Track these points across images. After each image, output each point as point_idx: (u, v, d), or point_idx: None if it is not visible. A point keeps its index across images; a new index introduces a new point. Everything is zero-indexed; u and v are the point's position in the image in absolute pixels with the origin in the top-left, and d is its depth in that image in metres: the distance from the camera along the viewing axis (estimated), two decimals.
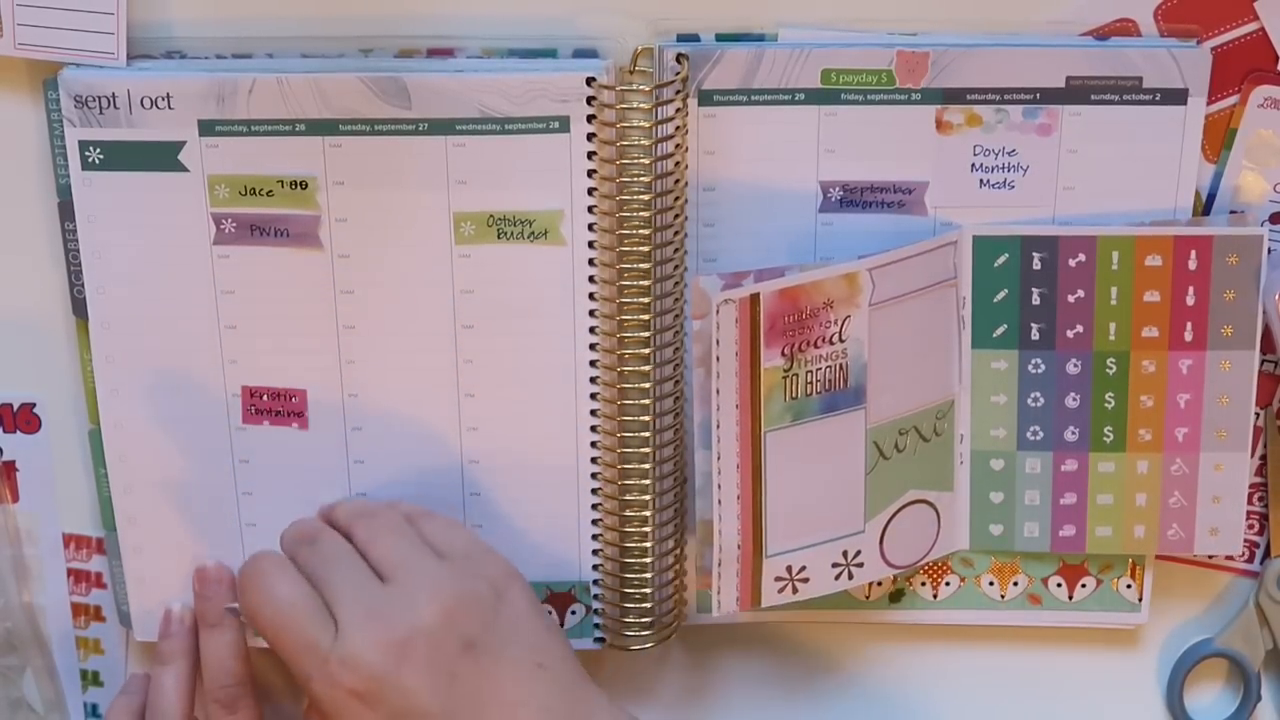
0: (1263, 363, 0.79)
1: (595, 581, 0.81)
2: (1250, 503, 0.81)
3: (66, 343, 0.80)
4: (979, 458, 0.80)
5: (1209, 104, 0.76)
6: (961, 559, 0.82)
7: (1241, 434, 0.79)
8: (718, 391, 0.73)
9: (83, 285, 0.77)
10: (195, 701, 0.80)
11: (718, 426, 0.73)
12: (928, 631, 0.84)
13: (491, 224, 0.76)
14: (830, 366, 0.75)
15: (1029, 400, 0.79)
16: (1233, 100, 0.76)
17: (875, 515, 0.78)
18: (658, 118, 0.74)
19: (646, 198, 0.75)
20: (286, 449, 0.79)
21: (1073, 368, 0.78)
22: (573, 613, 0.81)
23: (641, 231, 0.75)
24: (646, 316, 0.76)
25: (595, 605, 0.81)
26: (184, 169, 0.75)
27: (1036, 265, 0.77)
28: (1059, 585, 0.82)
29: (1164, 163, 0.76)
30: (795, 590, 0.78)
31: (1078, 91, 0.75)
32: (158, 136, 0.75)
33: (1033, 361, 0.78)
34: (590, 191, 0.75)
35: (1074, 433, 0.79)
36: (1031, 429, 0.79)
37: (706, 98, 0.75)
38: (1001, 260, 0.77)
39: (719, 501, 0.74)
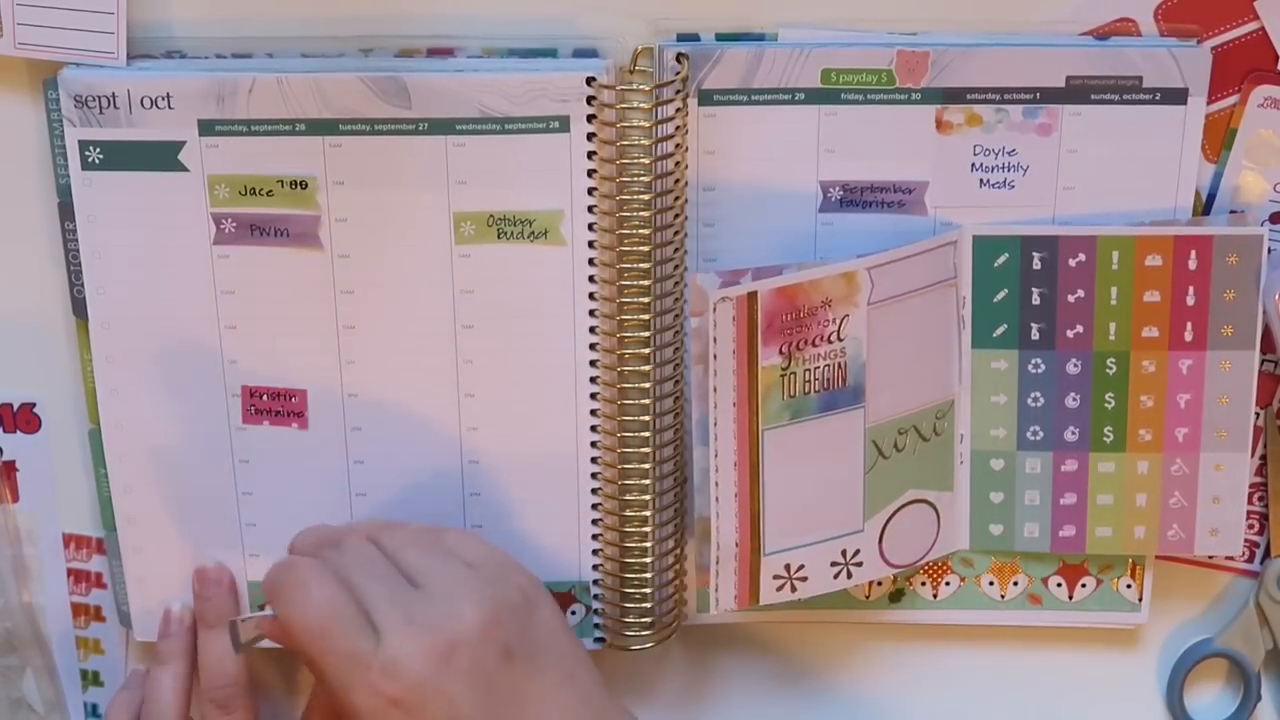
0: (1263, 363, 0.79)
1: (595, 581, 0.81)
2: (1250, 503, 0.81)
3: (66, 343, 0.80)
4: (979, 457, 0.80)
5: (1209, 104, 0.76)
6: (961, 559, 0.82)
7: (1241, 434, 0.79)
8: (715, 389, 0.73)
9: (83, 285, 0.77)
10: (192, 701, 0.80)
11: (715, 424, 0.73)
12: (928, 631, 0.84)
13: (491, 224, 0.76)
14: (828, 365, 0.75)
15: (1029, 400, 0.79)
16: (1233, 100, 0.76)
17: (874, 514, 0.78)
18: (658, 117, 0.74)
19: (646, 198, 0.75)
20: (286, 449, 0.79)
21: (1073, 368, 0.78)
22: (573, 613, 0.81)
23: (641, 231, 0.75)
24: (646, 316, 0.76)
25: (595, 605, 0.81)
26: (184, 169, 0.75)
27: (1036, 265, 0.77)
28: (1059, 585, 0.82)
29: (1164, 163, 0.76)
30: (794, 589, 0.78)
31: (1078, 91, 0.75)
32: (158, 136, 0.75)
33: (1033, 361, 0.78)
34: (590, 191, 0.75)
35: (1074, 433, 0.79)
36: (1031, 429, 0.79)
37: (706, 98, 0.75)
38: (1001, 260, 0.77)
39: (717, 499, 0.74)
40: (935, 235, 0.77)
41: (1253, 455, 0.80)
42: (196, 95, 0.74)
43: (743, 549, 0.76)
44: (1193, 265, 0.76)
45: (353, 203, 0.76)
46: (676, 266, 0.77)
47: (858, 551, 0.78)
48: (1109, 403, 0.78)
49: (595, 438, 0.78)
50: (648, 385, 0.77)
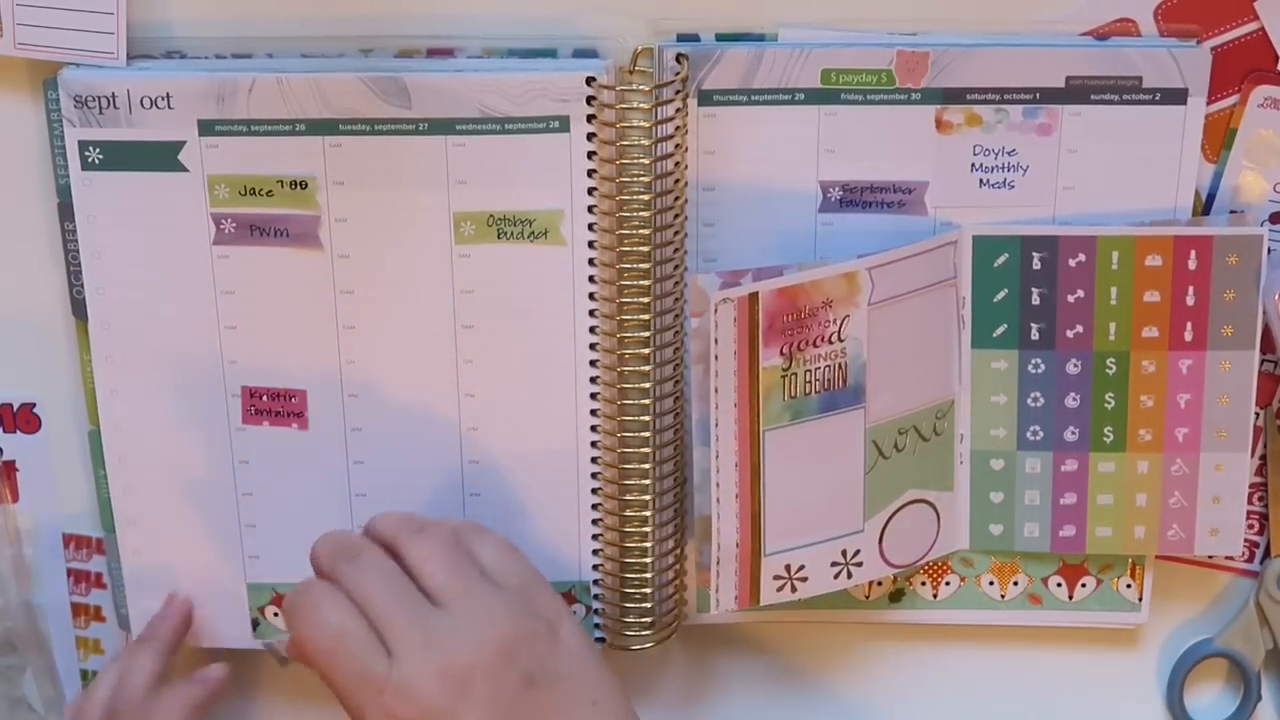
0: (1263, 363, 0.79)
1: (595, 581, 0.81)
2: (1250, 503, 0.81)
3: (66, 343, 0.80)
4: (979, 457, 0.80)
5: (1209, 104, 0.76)
6: (961, 559, 0.82)
7: (1241, 434, 0.79)
8: (716, 390, 0.73)
9: (83, 285, 0.77)
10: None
11: (716, 425, 0.73)
12: (928, 631, 0.84)
13: (491, 224, 0.76)
14: (829, 366, 0.75)
15: (1029, 400, 0.79)
16: (1233, 100, 0.76)
17: (874, 514, 0.78)
18: (658, 118, 0.74)
19: (646, 198, 0.75)
20: (286, 449, 0.79)
21: (1073, 368, 0.78)
22: (573, 612, 0.81)
23: (641, 231, 0.75)
24: (646, 316, 0.76)
25: (595, 605, 0.81)
26: (184, 169, 0.75)
27: (1036, 265, 0.77)
28: (1059, 585, 0.82)
29: (1164, 163, 0.76)
30: (794, 589, 0.78)
31: (1078, 91, 0.75)
32: (158, 136, 0.75)
33: (1033, 361, 0.78)
34: (590, 191, 0.75)
35: (1074, 433, 0.79)
36: (1031, 429, 0.79)
37: (706, 98, 0.75)
38: (1001, 260, 0.77)
39: (717, 500, 0.74)
40: (935, 235, 0.77)
41: (1253, 455, 0.80)
42: (196, 95, 0.74)
43: (743, 549, 0.76)
44: (1193, 265, 0.76)
45: (353, 203, 0.76)
46: (676, 266, 0.77)
47: (858, 551, 0.78)
48: (1109, 403, 0.78)
49: (595, 437, 0.78)
50: (648, 385, 0.77)
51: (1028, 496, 0.80)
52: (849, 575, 0.78)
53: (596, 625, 0.81)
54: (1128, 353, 0.78)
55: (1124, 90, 0.75)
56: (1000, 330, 0.78)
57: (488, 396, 0.78)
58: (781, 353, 0.74)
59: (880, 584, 0.82)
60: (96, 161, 0.75)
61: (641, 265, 0.75)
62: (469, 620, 0.67)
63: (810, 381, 0.75)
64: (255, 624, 0.82)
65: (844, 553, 0.78)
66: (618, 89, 0.74)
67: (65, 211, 0.77)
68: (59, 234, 0.78)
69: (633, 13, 0.75)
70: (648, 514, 0.79)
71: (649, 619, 0.80)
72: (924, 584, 0.83)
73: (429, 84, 0.74)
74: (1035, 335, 0.78)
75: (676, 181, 0.75)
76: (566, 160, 0.75)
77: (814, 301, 0.74)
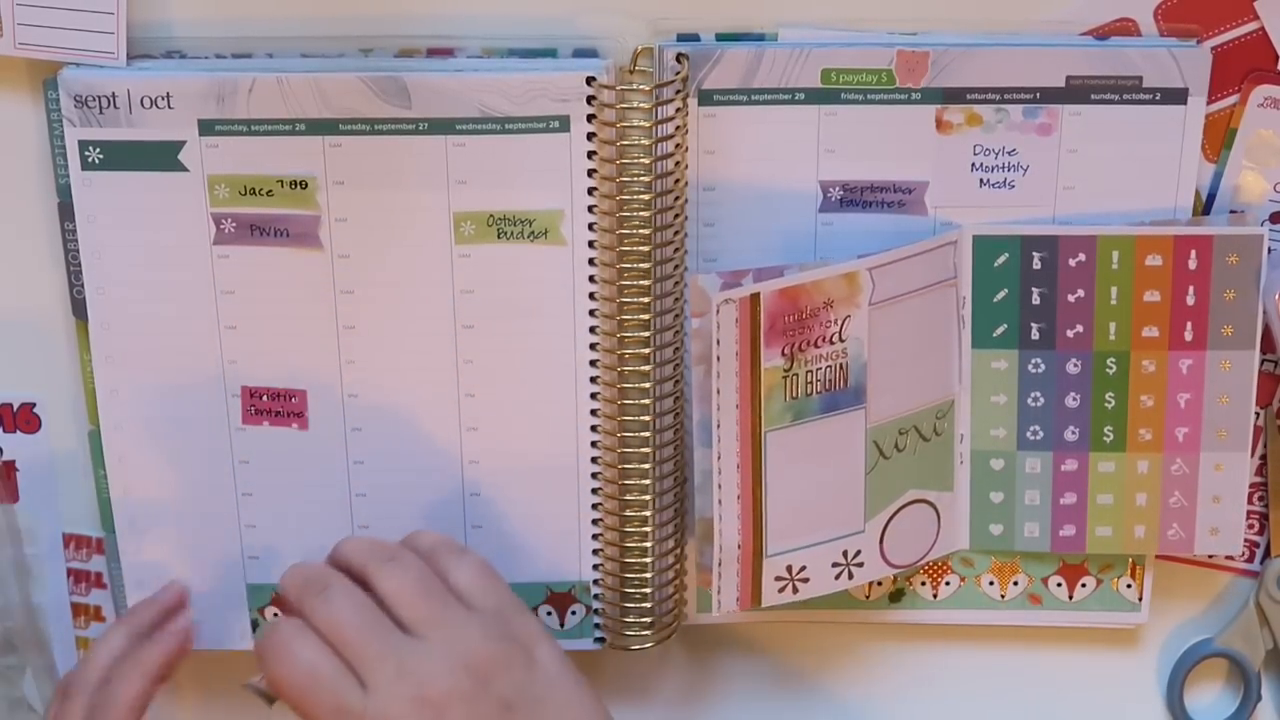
0: (1263, 362, 0.79)
1: (595, 581, 0.81)
2: (1250, 503, 0.81)
3: (66, 343, 0.80)
4: (979, 457, 0.80)
5: (1209, 104, 0.76)
6: (961, 559, 0.82)
7: (1241, 434, 0.79)
8: (718, 391, 0.73)
9: (83, 285, 0.77)
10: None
11: (718, 426, 0.73)
12: (928, 631, 0.84)
13: (491, 224, 0.76)
14: (830, 366, 0.75)
15: (1029, 400, 0.79)
16: (1233, 100, 0.76)
17: (875, 515, 0.78)
18: (658, 117, 0.74)
19: (646, 198, 0.75)
20: (286, 450, 0.79)
21: (1073, 367, 0.78)
22: (573, 613, 0.81)
23: (641, 231, 0.75)
24: (646, 316, 0.76)
25: (595, 605, 0.81)
26: (184, 169, 0.75)
27: (1036, 265, 0.77)
28: (1059, 585, 0.82)
29: (1164, 162, 0.76)
30: (795, 590, 0.78)
31: (1078, 91, 0.75)
32: (158, 136, 0.75)
33: (1033, 361, 0.78)
34: (590, 191, 0.75)
35: (1074, 432, 0.79)
36: (1031, 429, 0.79)
37: (706, 97, 0.75)
38: (1001, 260, 0.77)
39: (719, 501, 0.74)
40: (935, 235, 0.77)
41: (1253, 455, 0.80)
42: (196, 95, 0.74)
43: (745, 550, 0.76)
44: (1193, 265, 0.76)
45: (353, 203, 0.76)
46: (676, 266, 0.77)
47: (859, 552, 0.78)
48: (1109, 402, 0.79)
49: (595, 438, 0.78)
50: (648, 385, 0.77)
51: (1028, 496, 0.80)
52: (850, 576, 0.78)
53: (596, 625, 0.81)
54: (1128, 352, 0.78)
55: (1124, 90, 0.75)
56: (1000, 330, 0.78)
57: (488, 396, 0.78)
58: (783, 353, 0.74)
59: (880, 584, 0.82)
60: (96, 161, 0.75)
61: (641, 265, 0.75)
62: (443, 647, 0.66)
63: (811, 382, 0.75)
64: (255, 625, 0.82)
65: (845, 553, 0.78)
66: (618, 89, 0.74)
67: (65, 211, 0.77)
68: (59, 234, 0.78)
69: (633, 13, 0.75)
70: (648, 514, 0.79)
71: (649, 619, 0.80)
72: (924, 584, 0.83)
73: (429, 84, 0.74)
74: (1035, 335, 0.78)
75: (676, 181, 0.75)
76: (566, 160, 0.75)
77: (815, 302, 0.74)
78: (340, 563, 0.71)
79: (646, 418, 0.77)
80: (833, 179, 0.77)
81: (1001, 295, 0.78)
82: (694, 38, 0.75)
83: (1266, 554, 0.83)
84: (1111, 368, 0.78)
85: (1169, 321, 0.77)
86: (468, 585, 0.70)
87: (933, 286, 0.77)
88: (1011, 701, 0.86)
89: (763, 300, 0.73)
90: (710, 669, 0.86)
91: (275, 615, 0.82)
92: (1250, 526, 0.82)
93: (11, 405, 0.81)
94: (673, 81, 0.74)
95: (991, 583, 0.82)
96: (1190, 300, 0.77)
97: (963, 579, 0.82)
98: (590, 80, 0.74)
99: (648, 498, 0.78)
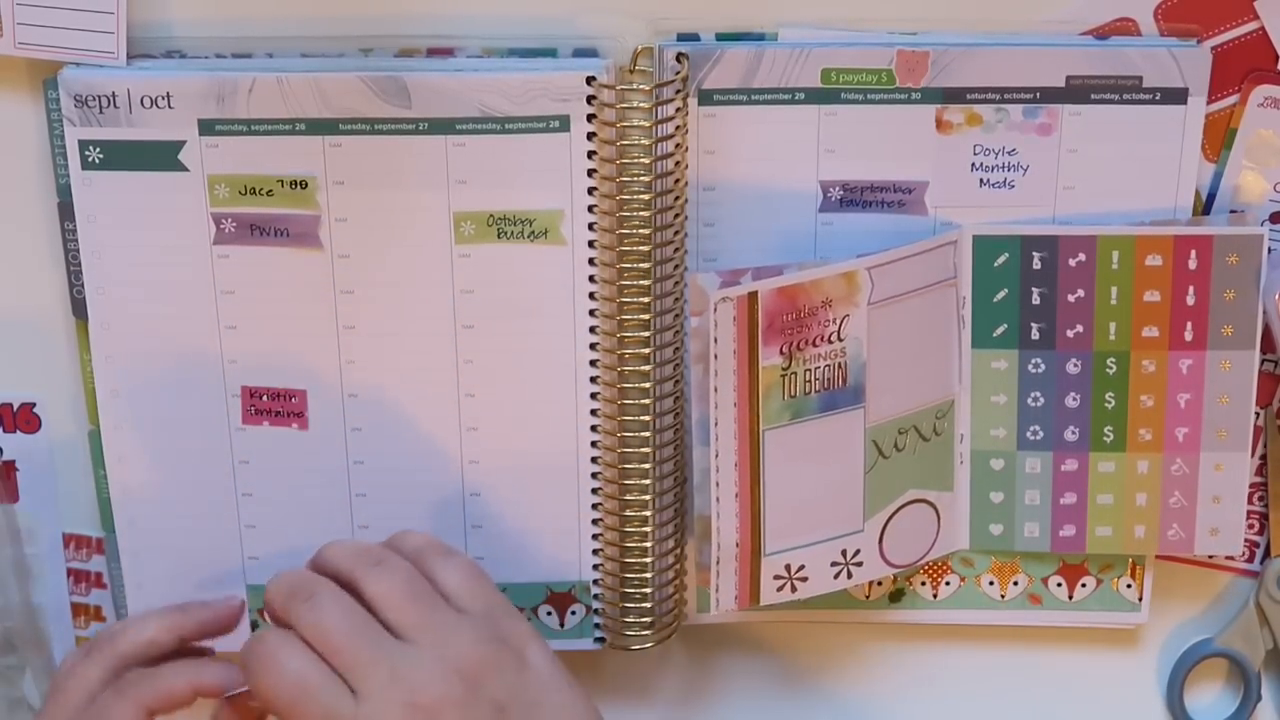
0: (1263, 362, 0.79)
1: (595, 581, 0.81)
2: (1250, 503, 0.81)
3: (66, 343, 0.80)
4: (979, 457, 0.80)
5: (1209, 103, 0.76)
6: (961, 559, 0.82)
7: (1241, 434, 0.79)
8: (716, 389, 0.73)
9: (83, 285, 0.77)
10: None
11: (716, 424, 0.73)
12: (928, 631, 0.84)
13: (491, 224, 0.76)
14: (829, 365, 0.75)
15: (1029, 400, 0.79)
16: (1233, 100, 0.76)
17: (874, 514, 0.78)
18: (658, 117, 0.74)
19: (646, 197, 0.75)
20: (286, 450, 0.79)
21: (1073, 367, 0.78)
22: (573, 613, 0.81)
23: (641, 231, 0.75)
24: (646, 316, 0.76)
25: (595, 605, 0.81)
26: (184, 169, 0.75)
27: (1036, 265, 0.77)
28: (1059, 585, 0.82)
29: (1164, 162, 0.76)
30: (794, 589, 0.78)
31: (1078, 91, 0.75)
32: (158, 136, 0.75)
33: (1033, 361, 0.78)
34: (590, 191, 0.75)
35: (1074, 433, 0.79)
36: (1031, 429, 0.79)
37: (706, 97, 0.75)
38: (1001, 260, 0.77)
39: (717, 499, 0.74)
40: (935, 235, 0.77)
41: (1253, 455, 0.80)
42: (196, 95, 0.74)
43: (743, 549, 0.76)
44: (1193, 265, 0.76)
45: (353, 203, 0.76)
46: (676, 266, 0.77)
47: (858, 551, 0.78)
48: (1109, 402, 0.78)
49: (595, 437, 0.78)
50: (648, 385, 0.77)
51: (1028, 496, 0.80)
52: (849, 575, 0.78)
53: (596, 625, 0.81)
54: (1128, 352, 0.78)
55: (1124, 90, 0.75)
56: (1000, 330, 0.78)
57: (488, 396, 0.78)
58: (781, 352, 0.74)
59: (880, 584, 0.82)
60: (97, 161, 0.75)
61: (641, 265, 0.75)
62: (434, 652, 0.66)
63: (810, 381, 0.75)
64: (255, 626, 0.81)
65: (844, 552, 0.78)
66: (618, 89, 0.74)
67: (65, 211, 0.77)
68: (59, 234, 0.78)
69: (633, 13, 0.75)
70: (648, 514, 0.78)
71: (649, 619, 0.80)
72: (924, 584, 0.83)
73: (429, 84, 0.74)
74: (1035, 335, 0.78)
75: (676, 181, 0.75)
76: (566, 160, 0.75)
77: (814, 301, 0.74)
78: (325, 568, 0.70)
79: (646, 418, 0.77)
80: (833, 179, 0.77)
81: (1001, 295, 0.78)
82: (694, 38, 0.75)
83: (1266, 554, 0.83)
84: (1111, 368, 0.78)
85: (1169, 321, 0.77)
86: (456, 588, 0.69)
87: (932, 286, 0.77)
88: (1011, 701, 0.86)
89: (760, 299, 0.73)
90: (710, 669, 0.86)
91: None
92: (1250, 526, 0.82)
93: (11, 405, 0.81)
94: (673, 81, 0.74)
95: (991, 583, 0.82)
96: (1190, 300, 0.77)
97: (963, 579, 0.82)
98: (590, 80, 0.74)
99: (648, 498, 0.78)
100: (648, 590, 0.80)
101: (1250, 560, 0.83)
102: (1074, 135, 0.76)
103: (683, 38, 0.75)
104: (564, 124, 0.74)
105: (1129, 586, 0.82)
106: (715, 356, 0.72)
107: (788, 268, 0.73)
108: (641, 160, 0.74)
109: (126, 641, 0.73)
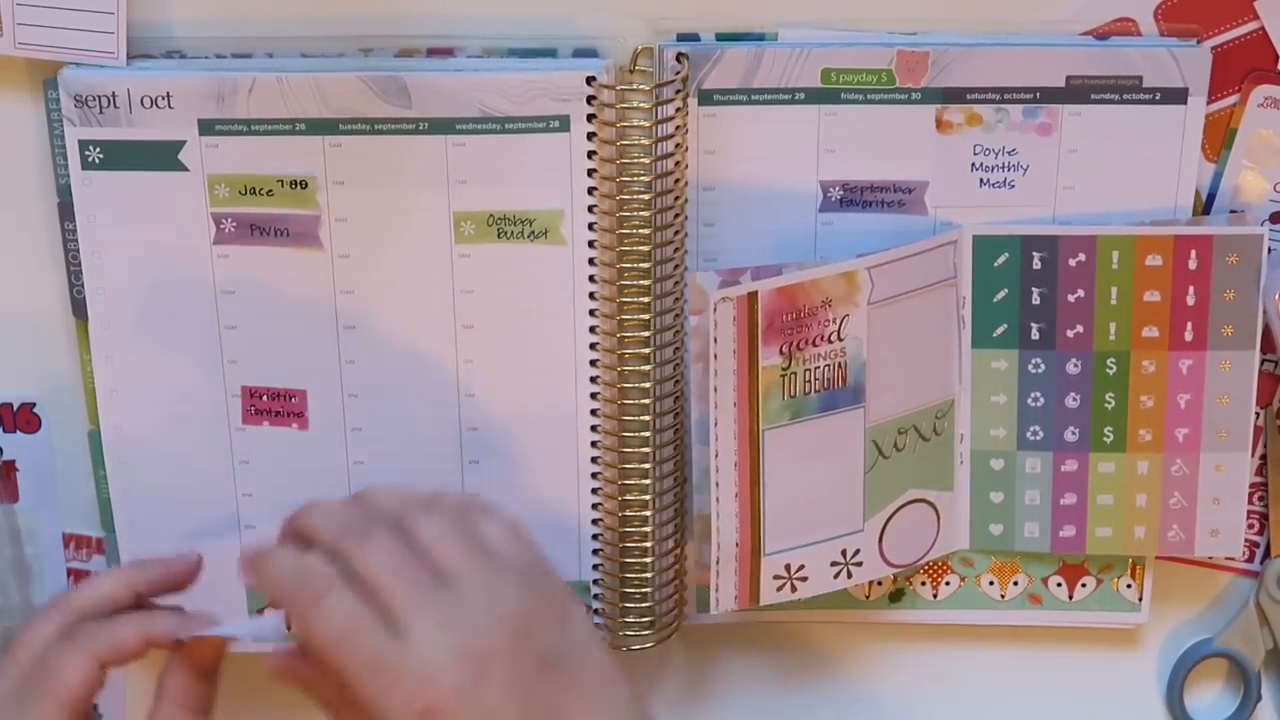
0: (1263, 362, 0.79)
1: (595, 581, 0.81)
2: (1250, 503, 0.81)
3: (66, 343, 0.80)
4: (979, 457, 0.80)
5: (1209, 103, 0.76)
6: (961, 559, 0.82)
7: (1242, 434, 0.79)
8: (715, 389, 0.73)
9: (83, 285, 0.77)
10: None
11: (715, 424, 0.73)
12: (928, 631, 0.84)
13: (491, 223, 0.76)
14: (829, 365, 0.75)
15: (1029, 400, 0.79)
16: (1233, 100, 0.76)
17: (874, 514, 0.78)
18: (658, 117, 0.74)
19: (646, 197, 0.75)
20: (286, 449, 0.79)
21: (1073, 368, 0.78)
22: (578, 597, 0.81)
23: (641, 231, 0.75)
24: (646, 316, 0.76)
25: (595, 605, 0.81)
26: (184, 169, 0.75)
27: (1036, 265, 0.77)
28: (1059, 585, 0.82)
29: (1164, 162, 0.76)
30: (794, 589, 0.78)
31: (1078, 91, 0.75)
32: (158, 136, 0.75)
33: (1033, 361, 0.78)
34: (590, 191, 0.75)
35: (1074, 433, 0.79)
36: (1031, 429, 0.79)
37: (706, 97, 0.75)
38: (1001, 260, 0.77)
39: (717, 499, 0.74)
40: (935, 235, 0.77)
41: (1253, 455, 0.80)
42: (196, 95, 0.74)
43: (743, 549, 0.76)
44: (1193, 265, 0.76)
45: (353, 203, 0.76)
46: (676, 266, 0.77)
47: (858, 551, 0.78)
48: (1109, 403, 0.78)
49: (595, 437, 0.78)
50: (648, 385, 0.77)
51: (1028, 496, 0.80)
52: (849, 575, 0.78)
53: (597, 625, 0.81)
54: (1128, 353, 0.78)
55: (1124, 90, 0.75)
56: (1000, 330, 0.78)
57: (488, 396, 0.78)
58: (781, 352, 0.74)
59: (880, 584, 0.82)
60: (97, 161, 0.75)
61: (641, 265, 0.75)
62: (484, 600, 0.64)
63: (810, 381, 0.75)
64: None
65: (844, 552, 0.78)
66: (618, 89, 0.74)
67: (65, 211, 0.77)
68: (59, 234, 0.78)
69: (633, 13, 0.75)
70: (648, 514, 0.78)
71: (649, 619, 0.80)
72: (924, 584, 0.83)
73: (429, 84, 0.74)
74: (1035, 335, 0.78)
75: (676, 181, 0.75)
76: (566, 160, 0.75)
77: (813, 301, 0.74)
78: (372, 509, 0.68)
79: (646, 418, 0.77)
80: (833, 179, 0.77)
81: (1001, 295, 0.78)
82: (694, 38, 0.75)
83: (1266, 554, 0.83)
84: (1111, 368, 0.78)
85: (1169, 321, 0.77)
86: (500, 541, 0.67)
87: (932, 286, 0.77)
88: (1011, 701, 0.86)
89: (760, 298, 0.73)
90: (710, 669, 0.86)
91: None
92: (1250, 527, 0.82)
93: (11, 405, 0.81)
94: (673, 81, 0.74)
95: (991, 583, 0.82)
96: (1190, 300, 0.77)
97: (963, 579, 0.82)
98: (590, 80, 0.74)
99: (648, 497, 0.78)
100: (648, 590, 0.80)
101: (1250, 560, 0.83)
102: (1074, 135, 0.76)
103: (683, 38, 0.75)
104: (564, 124, 0.74)
105: (1129, 587, 0.82)
106: (715, 356, 0.72)
107: (787, 267, 0.73)
108: (641, 160, 0.74)
109: (82, 597, 0.72)
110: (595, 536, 0.80)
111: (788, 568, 0.77)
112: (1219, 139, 0.77)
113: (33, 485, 0.82)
